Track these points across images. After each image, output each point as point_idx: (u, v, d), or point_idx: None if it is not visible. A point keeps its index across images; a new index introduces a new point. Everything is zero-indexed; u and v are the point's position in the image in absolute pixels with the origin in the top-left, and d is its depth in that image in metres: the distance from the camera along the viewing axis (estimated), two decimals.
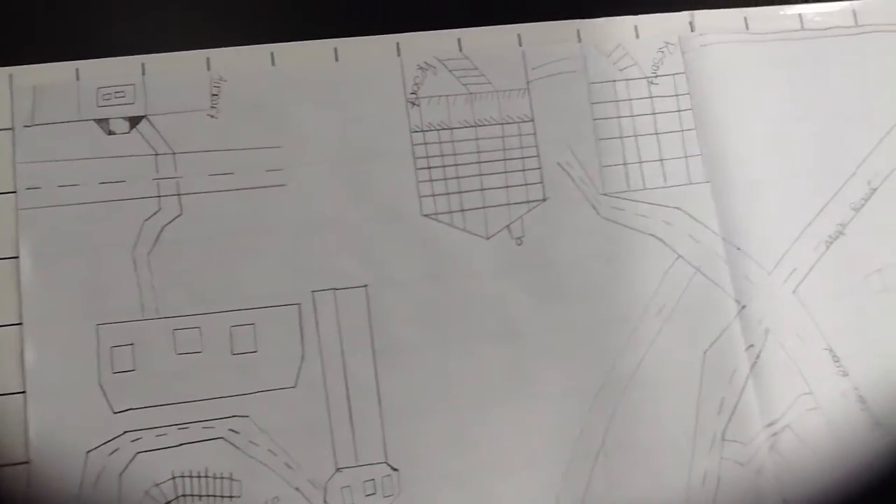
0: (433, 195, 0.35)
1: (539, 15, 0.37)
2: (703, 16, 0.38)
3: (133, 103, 0.35)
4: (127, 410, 0.33)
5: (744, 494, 0.35)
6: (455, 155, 0.36)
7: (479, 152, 0.36)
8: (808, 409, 0.36)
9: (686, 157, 0.37)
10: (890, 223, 0.37)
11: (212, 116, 0.35)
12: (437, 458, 0.34)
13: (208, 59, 0.36)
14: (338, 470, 0.33)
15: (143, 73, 0.35)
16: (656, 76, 0.37)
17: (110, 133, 0.35)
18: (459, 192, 0.36)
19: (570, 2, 0.37)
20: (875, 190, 0.38)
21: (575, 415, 0.35)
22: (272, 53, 0.36)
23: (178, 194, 0.35)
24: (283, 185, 0.35)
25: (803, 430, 0.35)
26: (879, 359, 0.36)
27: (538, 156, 0.36)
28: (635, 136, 0.37)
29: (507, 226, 0.36)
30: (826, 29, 0.39)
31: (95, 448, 0.32)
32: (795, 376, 0.36)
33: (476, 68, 0.37)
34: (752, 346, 0.36)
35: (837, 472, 0.35)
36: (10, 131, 0.34)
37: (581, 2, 0.37)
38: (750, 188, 0.37)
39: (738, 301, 0.36)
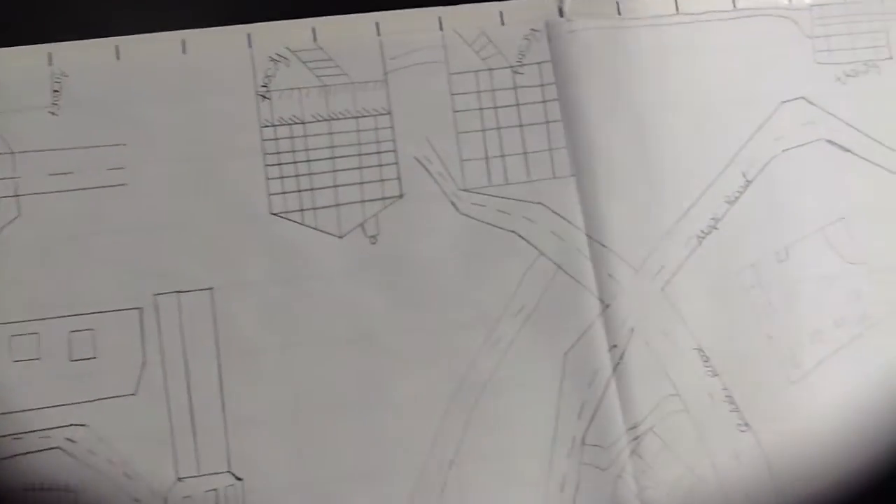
0: (283, 193, 0.34)
1: (400, 2, 0.36)
2: (573, 0, 0.36)
3: None
4: None
5: (603, 500, 0.33)
6: (307, 150, 0.34)
7: (332, 147, 0.35)
8: (673, 410, 0.35)
9: (551, 149, 0.35)
10: (764, 216, 0.36)
11: (53, 114, 0.34)
12: (283, 467, 0.33)
13: (50, 54, 0.34)
14: (179, 480, 0.32)
15: None
16: (521, 65, 0.36)
17: None
18: (311, 190, 0.34)
19: None
20: (750, 182, 0.36)
21: (429, 421, 0.33)
22: (117, 47, 0.34)
23: (17, 195, 0.33)
24: (125, 185, 0.34)
25: (667, 432, 0.34)
26: (750, 358, 0.35)
27: (395, 150, 0.35)
28: (498, 128, 0.35)
29: (361, 224, 0.34)
30: (703, 13, 0.37)
31: None
32: (661, 377, 0.35)
33: (331, 59, 0.35)
34: (615, 346, 0.34)
35: (701, 476, 0.34)
36: None
37: None
38: (618, 182, 0.35)
39: (601, 300, 0.35)
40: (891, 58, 0.38)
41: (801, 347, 0.36)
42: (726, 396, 0.35)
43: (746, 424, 0.35)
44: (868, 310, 0.36)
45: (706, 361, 0.35)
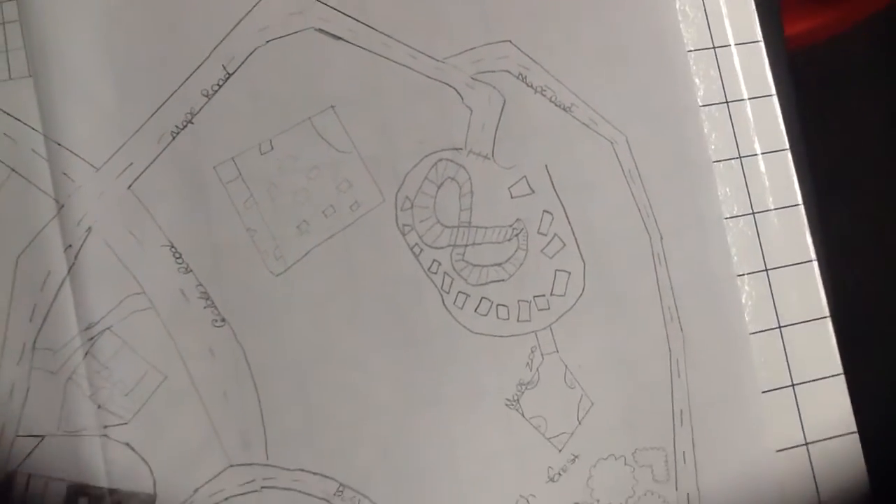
0: None
1: None
2: None
3: None
4: None
5: (54, 403, 0.32)
6: None
7: None
8: (137, 309, 0.34)
9: (7, 50, 0.34)
10: (245, 109, 0.35)
11: None
12: None
13: None
14: None
15: None
16: None
17: None
18: None
19: None
20: (231, 74, 0.35)
21: None
22: None
23: None
24: None
25: (128, 331, 0.33)
26: (228, 253, 0.34)
27: None
28: None
29: None
30: None
31: None
32: (123, 276, 0.34)
33: None
34: (70, 246, 0.33)
35: (170, 373, 0.33)
36: None
37: None
38: (78, 81, 0.34)
39: (57, 200, 0.33)
40: None
41: (285, 240, 0.35)
42: (201, 293, 0.34)
43: (223, 320, 0.34)
44: (359, 198, 0.36)
45: (178, 258, 0.34)
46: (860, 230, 0.40)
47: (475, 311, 0.36)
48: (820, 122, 0.41)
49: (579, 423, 0.36)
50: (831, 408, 0.38)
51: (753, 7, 0.39)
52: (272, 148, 0.35)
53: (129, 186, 0.34)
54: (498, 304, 0.36)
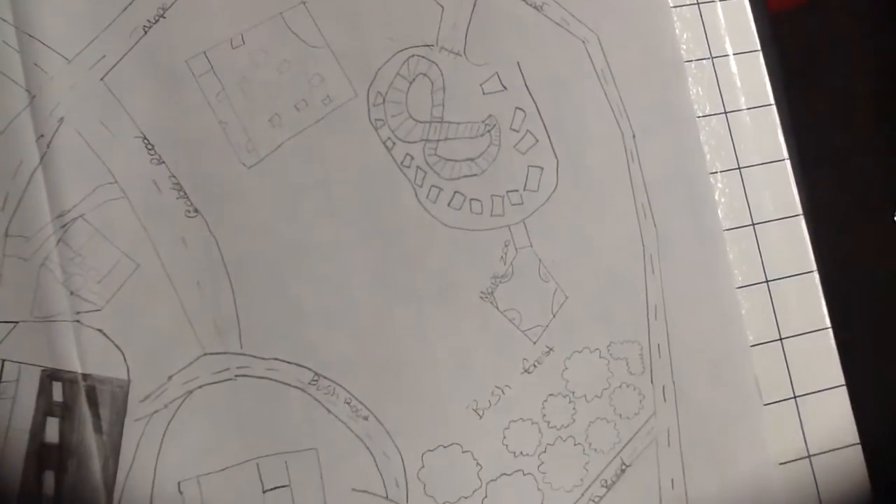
0: None
1: None
2: None
3: None
4: None
5: (26, 289, 0.33)
6: None
7: None
8: (109, 199, 0.34)
9: None
10: (214, 5, 0.36)
11: None
12: None
13: None
14: None
15: None
16: None
17: None
18: None
19: None
20: None
21: None
22: None
23: None
24: None
25: (100, 219, 0.34)
26: (201, 145, 0.35)
27: None
28: None
29: None
30: None
31: None
32: (96, 166, 0.34)
33: None
34: (42, 136, 0.33)
35: (143, 262, 0.33)
36: None
37: None
38: None
39: (28, 91, 0.34)
40: None
41: (257, 133, 0.35)
42: (174, 184, 0.34)
43: (196, 210, 0.34)
44: (331, 92, 0.36)
45: (150, 149, 0.34)
46: (833, 126, 0.40)
47: (448, 205, 0.36)
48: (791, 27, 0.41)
49: (553, 317, 0.36)
50: (805, 305, 0.38)
51: None
52: (243, 42, 0.36)
53: (102, 78, 0.34)
54: (471, 199, 0.36)
